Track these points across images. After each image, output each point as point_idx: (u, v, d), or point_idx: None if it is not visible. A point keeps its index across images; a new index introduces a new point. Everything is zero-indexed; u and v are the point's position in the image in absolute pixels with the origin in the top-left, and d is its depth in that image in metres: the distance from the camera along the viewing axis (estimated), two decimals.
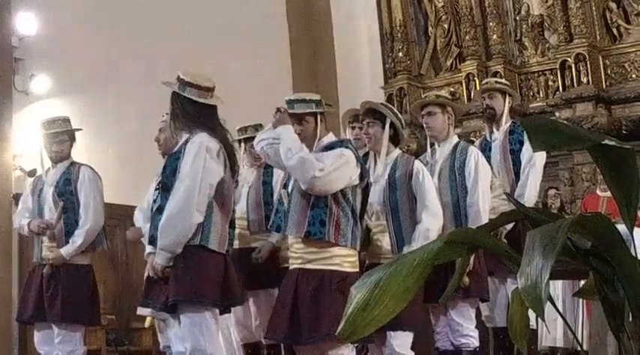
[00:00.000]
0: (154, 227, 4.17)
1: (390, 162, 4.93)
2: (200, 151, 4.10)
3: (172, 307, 4.09)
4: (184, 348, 4.08)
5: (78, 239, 5.64)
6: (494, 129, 5.74)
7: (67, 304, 5.49)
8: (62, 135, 5.83)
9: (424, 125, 5.44)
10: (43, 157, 5.88)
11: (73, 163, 5.86)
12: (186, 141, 4.23)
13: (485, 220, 5.00)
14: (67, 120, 5.91)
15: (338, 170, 4.24)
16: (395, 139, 4.98)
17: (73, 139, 5.90)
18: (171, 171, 4.18)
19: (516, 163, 5.51)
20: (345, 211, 4.27)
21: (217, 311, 4.18)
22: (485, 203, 5.11)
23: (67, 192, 5.71)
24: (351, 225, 4.29)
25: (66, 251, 5.59)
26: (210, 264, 4.08)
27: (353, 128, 5.61)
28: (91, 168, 5.88)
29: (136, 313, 5.23)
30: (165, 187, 4.19)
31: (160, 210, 4.15)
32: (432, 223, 4.75)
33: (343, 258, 4.25)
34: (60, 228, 5.65)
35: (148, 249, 4.24)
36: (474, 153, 5.23)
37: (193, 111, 4.28)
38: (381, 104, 5.10)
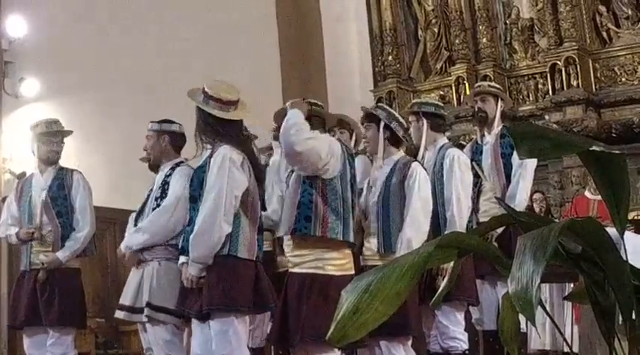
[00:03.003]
0: (184, 238, 4.30)
1: (390, 163, 4.91)
2: (224, 163, 4.18)
3: (206, 315, 4.19)
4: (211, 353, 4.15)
5: (75, 243, 5.66)
6: (486, 133, 5.73)
7: (63, 307, 5.50)
8: (60, 135, 5.81)
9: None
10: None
11: (62, 168, 5.84)
12: (211, 155, 4.30)
13: (459, 226, 4.97)
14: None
15: (316, 140, 4.18)
16: (394, 141, 4.95)
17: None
18: (198, 183, 4.29)
19: (507, 167, 5.49)
20: (334, 205, 4.22)
21: (247, 318, 4.25)
22: (461, 209, 5.03)
23: (60, 196, 5.70)
24: (342, 218, 4.24)
25: (63, 255, 5.60)
26: (241, 272, 4.18)
27: (342, 133, 5.63)
28: (81, 173, 5.87)
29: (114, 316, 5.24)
30: (192, 199, 4.32)
31: (188, 221, 4.29)
32: (413, 234, 4.64)
33: (326, 261, 4.22)
34: (56, 232, 5.64)
35: (182, 259, 4.33)
36: (451, 155, 5.18)
37: (216, 124, 4.36)
38: (377, 107, 5.07)
